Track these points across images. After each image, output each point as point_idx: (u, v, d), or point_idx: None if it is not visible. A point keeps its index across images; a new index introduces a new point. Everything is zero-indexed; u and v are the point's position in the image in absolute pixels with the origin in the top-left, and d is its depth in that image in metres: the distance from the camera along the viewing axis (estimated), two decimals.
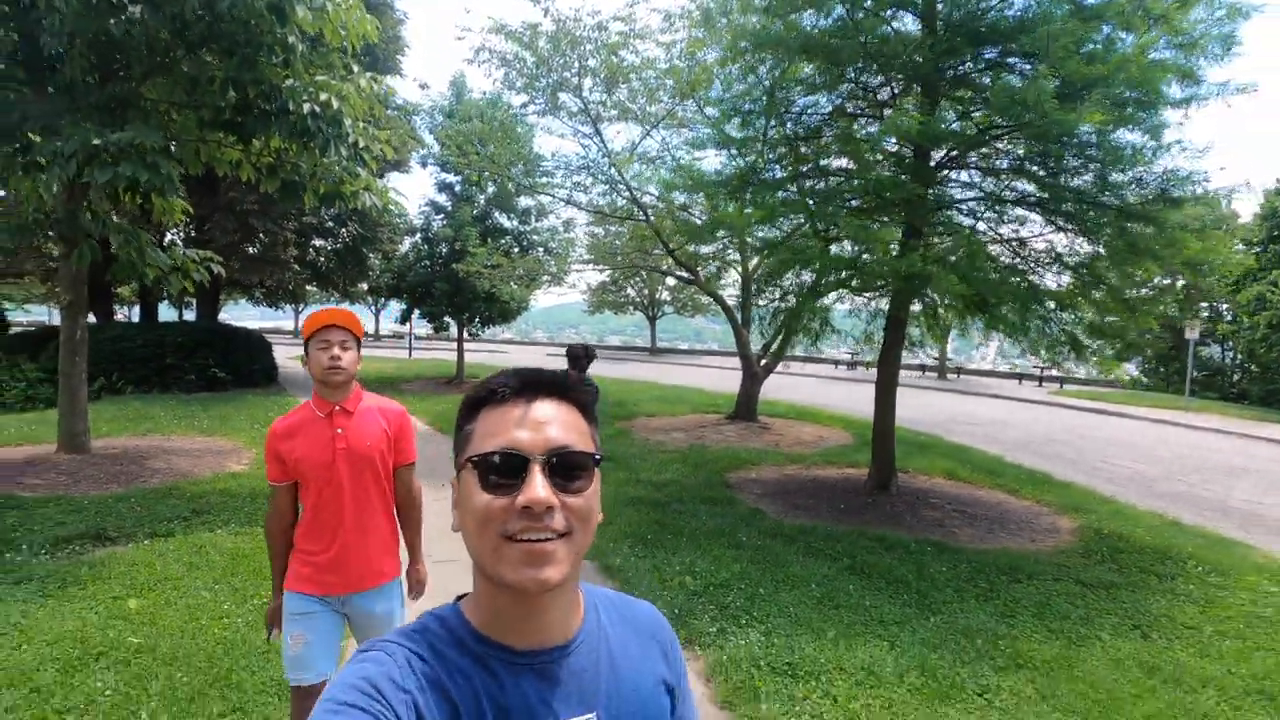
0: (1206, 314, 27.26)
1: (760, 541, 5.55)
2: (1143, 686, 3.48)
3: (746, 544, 5.47)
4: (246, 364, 15.65)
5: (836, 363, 30.70)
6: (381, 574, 2.28)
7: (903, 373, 30.56)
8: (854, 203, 6.57)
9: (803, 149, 6.99)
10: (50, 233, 6.79)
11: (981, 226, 6.80)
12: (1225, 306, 25.42)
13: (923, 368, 29.26)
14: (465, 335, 17.72)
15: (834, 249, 6.22)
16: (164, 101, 5.87)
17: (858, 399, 16.63)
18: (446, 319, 16.30)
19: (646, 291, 34.49)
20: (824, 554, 5.30)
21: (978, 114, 5.74)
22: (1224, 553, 5.81)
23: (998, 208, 6.29)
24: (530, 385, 0.76)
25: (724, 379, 19.53)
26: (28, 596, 3.92)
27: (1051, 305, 6.39)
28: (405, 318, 18.38)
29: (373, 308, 40.51)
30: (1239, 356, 25.63)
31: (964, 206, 6.62)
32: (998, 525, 6.56)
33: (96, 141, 4.59)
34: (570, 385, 0.78)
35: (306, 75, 5.65)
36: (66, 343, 6.77)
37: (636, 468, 8.22)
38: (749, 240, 6.23)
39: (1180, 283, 27.00)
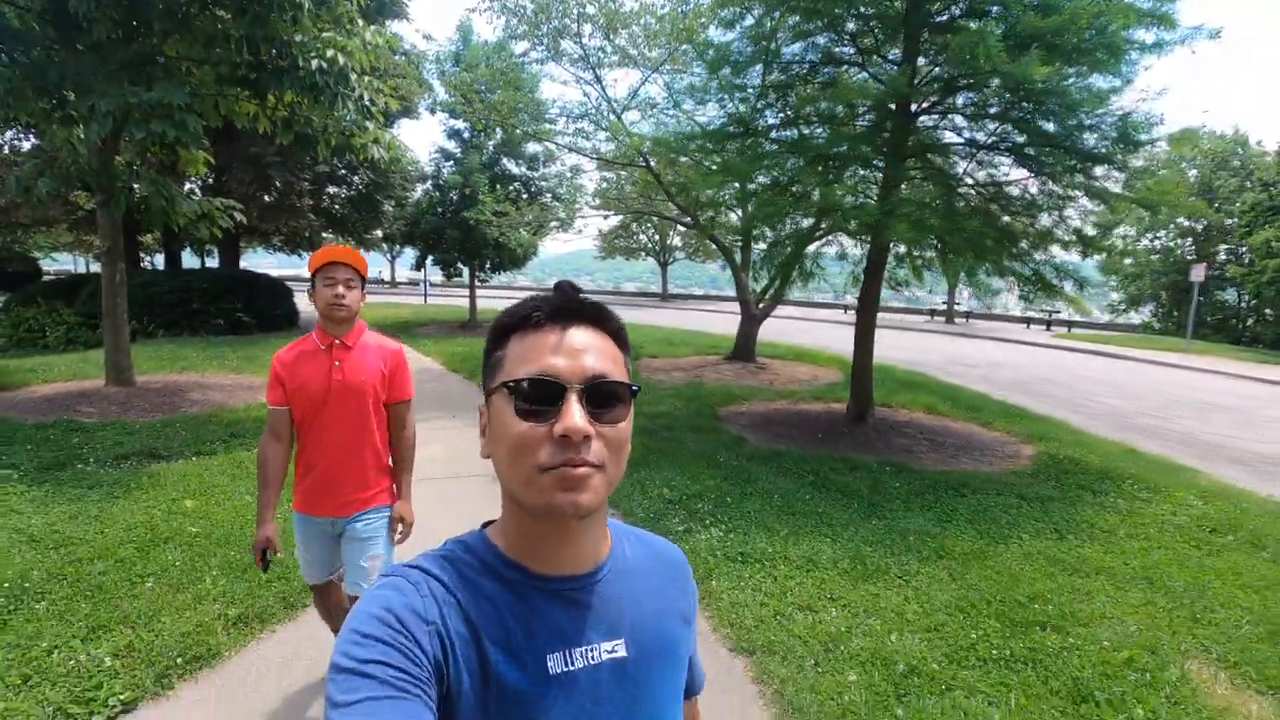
0: (1224, 257, 27.03)
1: (736, 463, 6.15)
2: (1043, 572, 4.06)
3: (723, 464, 6.08)
4: (269, 309, 16.38)
5: (846, 308, 30.95)
6: (367, 502, 2.39)
7: (910, 317, 30.77)
8: (836, 150, 6.90)
9: (789, 97, 7.28)
10: (84, 183, 7.33)
11: (961, 170, 7.11)
12: (1244, 250, 25.15)
13: (931, 312, 29.40)
14: (476, 281, 18.24)
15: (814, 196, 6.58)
16: (184, 58, 6.31)
17: (851, 340, 17.06)
18: (459, 265, 16.81)
19: (657, 237, 34.61)
20: (791, 473, 5.89)
21: (945, 66, 6.01)
22: (1167, 475, 6.32)
23: (972, 153, 6.59)
24: (566, 311, 0.73)
25: (731, 323, 19.99)
26: (100, 498, 4.64)
27: (1024, 246, 6.76)
28: (419, 264, 18.91)
29: (388, 255, 41.07)
30: (1251, 300, 25.48)
31: (939, 154, 6.90)
32: (962, 452, 7.10)
33: (132, 100, 5.08)
34: (606, 312, 0.76)
35: (314, 30, 6.05)
36: (108, 286, 7.40)
37: (635, 402, 8.82)
38: (740, 189, 6.55)
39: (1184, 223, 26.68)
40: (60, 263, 41.47)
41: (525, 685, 0.69)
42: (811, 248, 7.78)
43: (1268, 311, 25.05)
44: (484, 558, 0.73)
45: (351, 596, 2.47)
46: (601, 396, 0.70)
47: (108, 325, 7.62)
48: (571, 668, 0.71)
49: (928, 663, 3.06)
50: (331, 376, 2.30)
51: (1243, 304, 27.23)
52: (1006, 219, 6.92)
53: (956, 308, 28.63)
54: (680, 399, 9.12)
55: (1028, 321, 27.19)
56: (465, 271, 17.08)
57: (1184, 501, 5.50)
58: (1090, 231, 7.14)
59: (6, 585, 3.39)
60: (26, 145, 13.79)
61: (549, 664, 0.70)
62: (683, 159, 7.25)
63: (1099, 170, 6.33)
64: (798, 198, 6.25)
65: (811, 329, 21.12)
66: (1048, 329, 25.05)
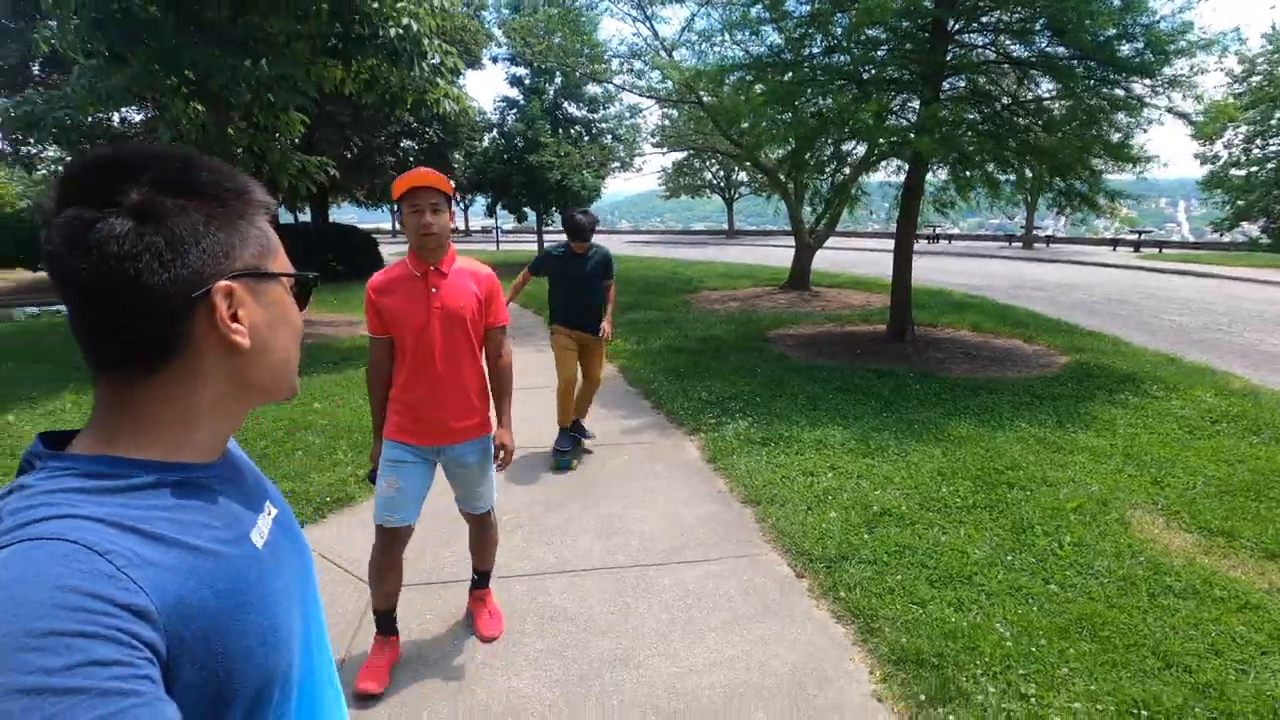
0: None
1: (772, 373, 6.84)
2: (1029, 450, 4.63)
3: (760, 375, 6.78)
4: (357, 257, 17.92)
5: (919, 237, 30.17)
6: (470, 429, 2.41)
7: (987, 243, 29.78)
8: (867, 72, 7.18)
9: (828, 25, 7.54)
10: (205, 148, 8.54)
11: (997, 88, 7.27)
12: None
13: (1009, 238, 28.32)
14: (544, 225, 19.14)
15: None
16: (282, 32, 7.24)
17: (924, 269, 17.03)
18: (525, 209, 17.70)
19: (722, 174, 34.39)
20: (821, 380, 6.53)
21: None
22: (1194, 378, 6.54)
23: (1004, 70, 6.76)
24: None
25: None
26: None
27: (1060, 159, 6.93)
28: (491, 210, 19.96)
29: (460, 204, 42.66)
30: None
31: (975, 72, 7.08)
32: (994, 362, 7.49)
33: (257, 75, 6.09)
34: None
35: (388, 1, 6.84)
36: None
37: (686, 328, 9.54)
38: (779, 118, 6.98)
39: None
40: None
41: (251, 568, 0.67)
42: (849, 173, 8.13)
43: None
44: (136, 473, 0.67)
45: (474, 515, 2.63)
46: None
47: None
48: (266, 536, 0.71)
49: (899, 507, 3.77)
50: (430, 304, 2.30)
51: None
52: (1041, 134, 7.07)
53: (1037, 232, 27.46)
54: (731, 324, 9.78)
55: (1114, 243, 25.83)
56: (532, 216, 17.97)
57: (1198, 398, 5.81)
58: (1128, 142, 7.19)
59: None
60: (137, 118, 15.45)
61: (255, 541, 0.69)
62: (725, 89, 7.65)
63: (1138, 85, 6.40)
64: (826, 121, 6.64)
65: (878, 260, 21.00)
66: (1136, 250, 23.79)
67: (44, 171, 16.40)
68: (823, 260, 16.31)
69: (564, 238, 4.61)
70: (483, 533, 2.71)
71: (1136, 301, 12.72)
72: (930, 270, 17.25)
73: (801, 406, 5.70)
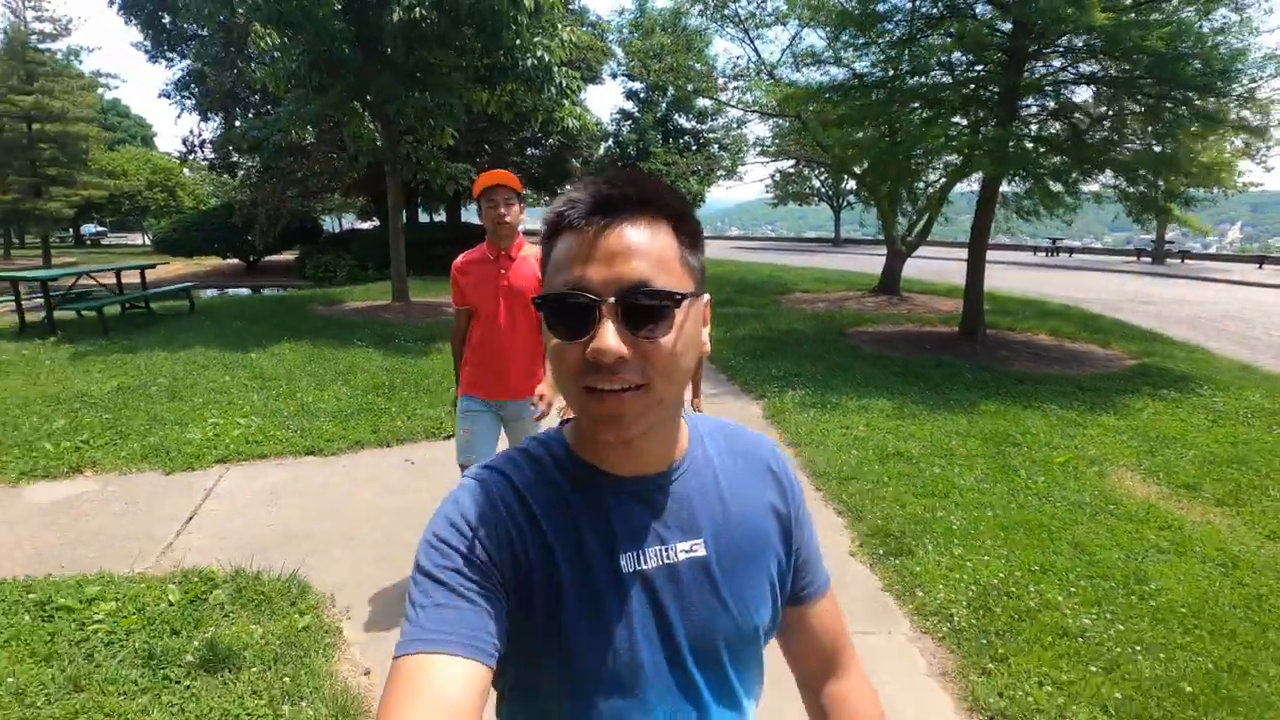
0: None
1: (839, 359, 7.72)
2: (1047, 424, 5.33)
3: (828, 360, 7.68)
4: None
5: (1035, 249, 29.12)
6: (527, 389, 2.79)
7: (1112, 257, 28.33)
8: (954, 91, 7.89)
9: (912, 48, 8.32)
10: (378, 159, 10.48)
11: (1071, 105, 7.78)
12: None
13: (1138, 252, 26.75)
14: None
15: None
16: (443, 64, 8.94)
17: (1034, 280, 16.91)
18: None
19: (830, 181, 34.50)
20: (882, 366, 7.34)
21: None
22: (1257, 383, 6.79)
23: (1068, 90, 7.32)
24: (606, 204, 0.63)
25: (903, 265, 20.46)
26: (412, 355, 7.46)
27: (1111, 175, 7.37)
28: None
29: None
30: None
31: (1045, 94, 7.65)
32: (1059, 362, 7.95)
33: (423, 104, 7.77)
34: (661, 197, 0.66)
35: (528, 36, 8.35)
36: (393, 233, 10.59)
37: (772, 322, 10.49)
38: (852, 138, 7.86)
39: None
40: (326, 223, 50.61)
41: (596, 585, 0.68)
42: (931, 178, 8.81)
43: None
44: (559, 457, 0.73)
45: None
46: (641, 309, 0.61)
47: (393, 259, 10.87)
48: (644, 566, 0.70)
49: (911, 451, 4.68)
50: (499, 282, 2.74)
51: None
52: (1114, 144, 7.52)
53: (1169, 247, 25.81)
54: (814, 320, 10.63)
55: (1261, 260, 23.88)
56: None
57: (1245, 397, 6.16)
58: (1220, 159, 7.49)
59: (384, 387, 6.16)
60: (309, 137, 18.32)
61: (621, 563, 0.69)
62: (811, 109, 8.57)
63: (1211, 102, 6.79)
64: (898, 140, 7.47)
65: (990, 271, 20.79)
66: None
67: (242, 175, 19.63)
68: (925, 268, 16.64)
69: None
70: None
71: (1251, 319, 12.27)
72: (1039, 282, 17.08)
73: (856, 384, 6.59)
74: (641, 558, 0.70)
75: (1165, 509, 3.84)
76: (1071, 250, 29.11)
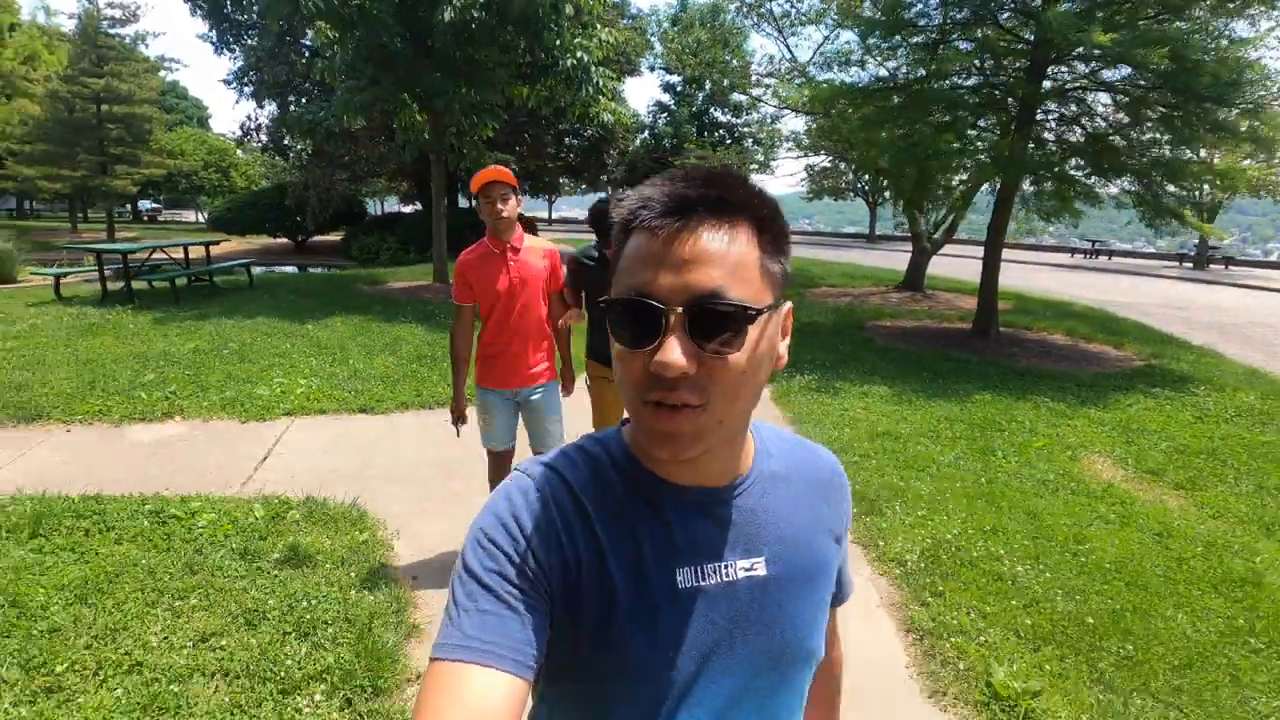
0: None
1: (851, 349, 8.12)
2: (1036, 414, 5.69)
3: (840, 350, 8.08)
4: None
5: (1072, 251, 28.76)
6: (541, 375, 2.91)
7: (1152, 262, 27.77)
8: (970, 99, 8.18)
9: (936, 54, 8.62)
10: (424, 148, 11.13)
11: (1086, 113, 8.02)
12: None
13: (1180, 257, 26.22)
14: None
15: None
16: (488, 61, 9.53)
17: (1065, 282, 16.91)
18: None
19: (867, 177, 34.33)
20: (891, 358, 7.73)
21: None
22: (1258, 386, 7.00)
23: (1081, 98, 7.57)
24: (682, 204, 0.59)
25: (938, 263, 20.55)
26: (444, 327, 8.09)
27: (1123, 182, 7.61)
28: None
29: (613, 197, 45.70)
30: None
31: (1060, 101, 7.91)
32: (1069, 360, 8.21)
33: (468, 100, 8.38)
34: (743, 198, 0.62)
35: (568, 38, 8.88)
36: (436, 216, 11.26)
37: (794, 314, 10.85)
38: (870, 139, 8.22)
39: None
40: (370, 207, 52.08)
41: (652, 599, 0.65)
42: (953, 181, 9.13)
43: None
44: (617, 459, 0.69)
45: (544, 452, 3.48)
46: (711, 321, 0.58)
47: (435, 242, 11.55)
48: (703, 583, 0.67)
49: (901, 431, 5.12)
50: (510, 274, 2.81)
51: None
52: (1131, 150, 7.75)
53: (1212, 253, 25.25)
54: (835, 313, 10.99)
55: None
56: None
57: (1239, 398, 6.41)
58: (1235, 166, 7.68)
59: (426, 358, 6.78)
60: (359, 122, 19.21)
61: (678, 578, 0.66)
62: (834, 110, 8.93)
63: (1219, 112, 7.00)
64: (913, 143, 7.81)
65: (1012, 270, 20.75)
66: None
67: (293, 158, 20.62)
68: (955, 266, 16.75)
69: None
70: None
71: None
72: (1073, 284, 17.08)
73: (862, 372, 7.01)
74: (700, 574, 0.68)
75: (1124, 489, 4.22)
76: (1112, 253, 28.66)
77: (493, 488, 2.96)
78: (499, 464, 3.05)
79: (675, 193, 0.60)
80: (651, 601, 0.66)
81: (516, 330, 2.85)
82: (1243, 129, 6.85)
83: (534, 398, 2.92)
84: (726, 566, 0.69)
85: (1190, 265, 25.06)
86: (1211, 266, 24.68)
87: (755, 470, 0.73)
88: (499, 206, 2.72)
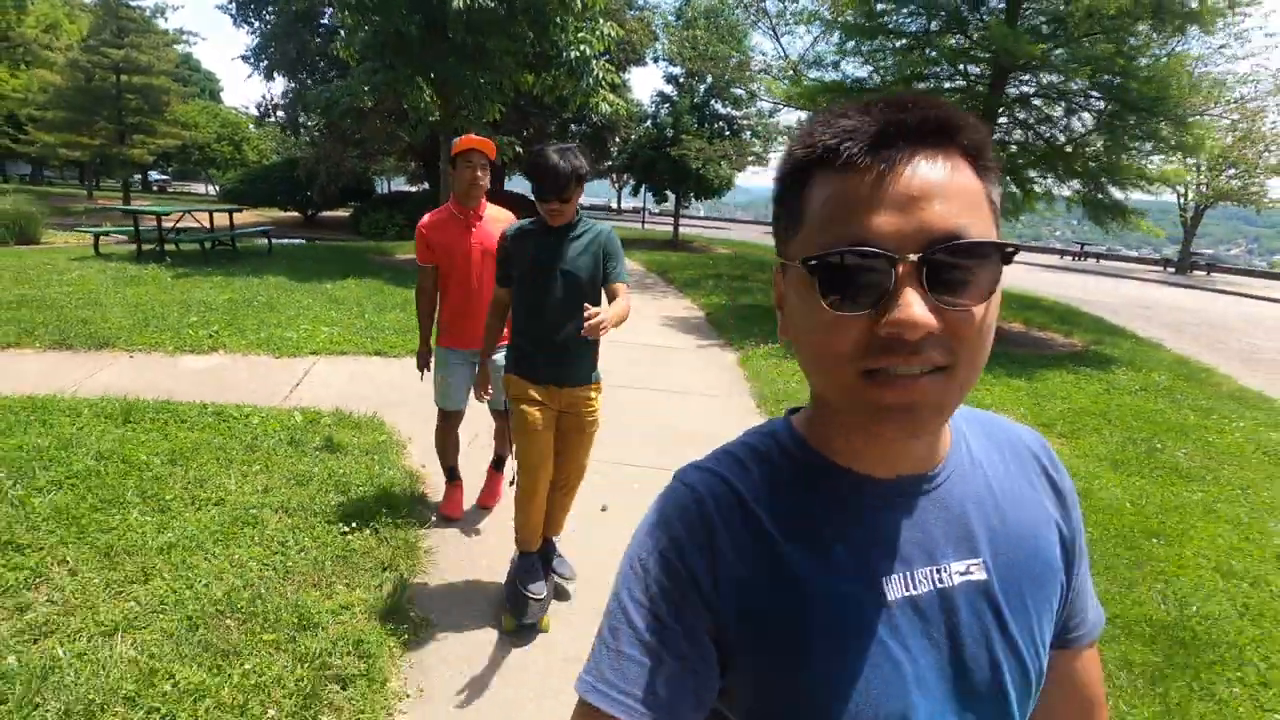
0: None
1: None
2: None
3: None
4: (523, 218, 21.60)
5: (1062, 253, 29.56)
6: (502, 337, 2.83)
7: (1135, 266, 28.54)
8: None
9: (906, 57, 9.39)
10: (433, 128, 11.90)
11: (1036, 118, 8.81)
12: None
13: (1165, 262, 26.98)
14: (681, 209, 21.78)
15: None
16: (498, 49, 10.28)
17: (1046, 282, 17.71)
18: (666, 192, 20.37)
19: None
20: None
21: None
22: (1177, 370, 7.81)
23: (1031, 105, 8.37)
24: (899, 130, 0.50)
25: None
26: None
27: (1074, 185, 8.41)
28: (636, 190, 22.85)
29: (616, 186, 46.44)
30: None
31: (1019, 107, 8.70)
32: (1015, 344, 8.99)
33: (479, 83, 9.16)
34: (959, 119, 0.51)
35: (573, 31, 9.64)
36: (444, 196, 12.03)
37: (772, 296, 11.67)
38: None
39: None
40: (377, 185, 52.69)
41: (853, 613, 0.56)
42: None
43: None
44: (792, 454, 0.60)
45: (498, 411, 3.20)
46: (953, 269, 0.49)
47: None
48: (914, 592, 0.57)
49: None
50: (471, 239, 2.93)
51: None
52: (1079, 154, 8.55)
53: (1195, 259, 26.01)
54: None
55: None
56: (671, 199, 20.60)
57: (1150, 377, 7.23)
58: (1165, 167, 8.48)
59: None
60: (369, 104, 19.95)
61: (885, 586, 0.57)
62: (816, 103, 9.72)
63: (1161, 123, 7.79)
64: None
65: (1012, 271, 21.50)
66: None
67: (304, 135, 21.35)
68: None
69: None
70: (504, 426, 3.28)
71: (1235, 328, 12.94)
72: (1052, 283, 17.81)
73: None
74: (910, 581, 0.57)
75: None
76: (1099, 256, 29.43)
77: (439, 447, 3.31)
78: (448, 423, 3.26)
79: (888, 118, 0.50)
80: (853, 618, 0.56)
81: (477, 294, 2.98)
82: (1167, 136, 7.64)
83: (495, 358, 2.89)
84: (939, 570, 0.59)
85: (1173, 270, 25.84)
86: (1195, 272, 25.46)
87: (954, 452, 0.63)
88: (478, 175, 2.86)
